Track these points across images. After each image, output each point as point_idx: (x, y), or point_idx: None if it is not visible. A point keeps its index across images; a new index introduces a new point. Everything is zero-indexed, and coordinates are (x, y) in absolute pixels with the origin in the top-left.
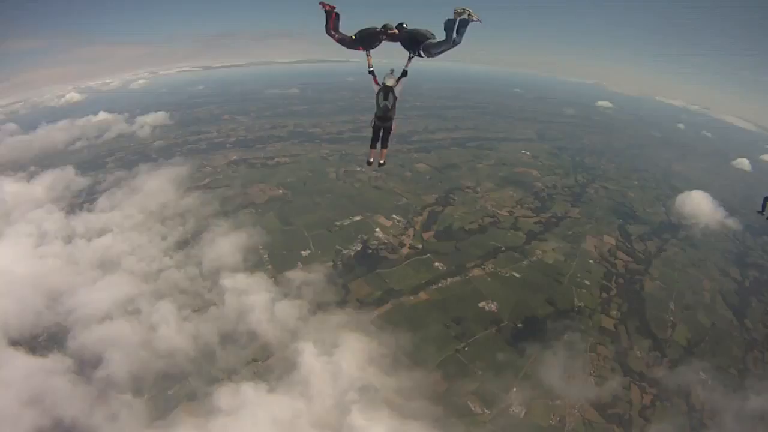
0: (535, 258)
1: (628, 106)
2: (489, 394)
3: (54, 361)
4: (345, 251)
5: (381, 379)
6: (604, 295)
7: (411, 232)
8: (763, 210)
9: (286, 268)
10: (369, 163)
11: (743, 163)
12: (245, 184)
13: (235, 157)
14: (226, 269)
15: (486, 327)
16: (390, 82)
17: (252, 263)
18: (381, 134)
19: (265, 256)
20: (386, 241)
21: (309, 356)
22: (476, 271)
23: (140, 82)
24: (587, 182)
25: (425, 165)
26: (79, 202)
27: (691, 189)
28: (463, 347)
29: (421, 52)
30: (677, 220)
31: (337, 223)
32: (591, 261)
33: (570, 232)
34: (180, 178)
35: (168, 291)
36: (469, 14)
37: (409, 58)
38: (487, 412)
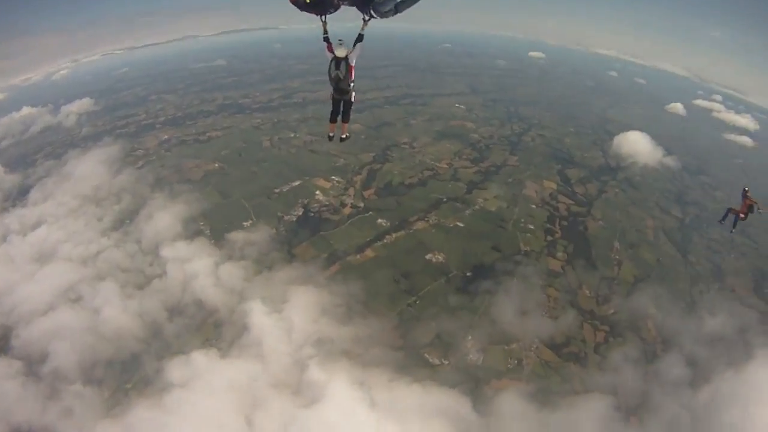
0: (477, 207)
1: (560, 56)
2: (445, 344)
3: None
4: (287, 217)
5: (336, 329)
6: (549, 238)
7: (351, 191)
8: (723, 220)
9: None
10: (330, 138)
11: (677, 107)
12: (179, 162)
13: (166, 137)
14: (166, 241)
15: (435, 278)
16: (340, 53)
17: (192, 233)
18: (341, 107)
19: (207, 231)
20: (327, 202)
21: (258, 315)
22: (420, 224)
23: (62, 72)
24: (523, 131)
25: (359, 125)
26: (11, 199)
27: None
28: (414, 300)
29: (373, 12)
30: (616, 162)
31: (276, 190)
32: (533, 206)
33: (510, 180)
34: (111, 160)
35: (109, 272)
36: None
37: (364, 21)
38: (446, 362)
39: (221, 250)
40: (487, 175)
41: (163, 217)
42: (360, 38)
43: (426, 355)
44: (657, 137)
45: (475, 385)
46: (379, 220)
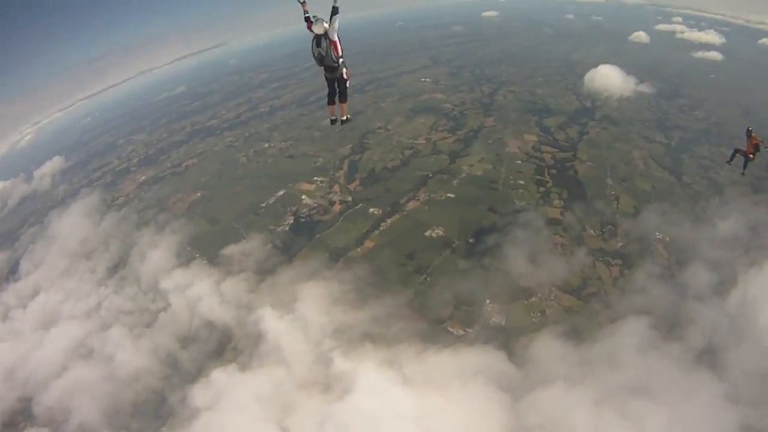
0: (464, 174)
1: (514, 10)
2: (465, 314)
3: None
4: (279, 228)
5: (352, 315)
6: (542, 188)
7: (337, 188)
8: (731, 161)
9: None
10: (332, 122)
11: (641, 36)
12: (161, 199)
13: (143, 177)
14: (163, 274)
15: (440, 252)
16: (318, 29)
17: (186, 260)
18: (336, 87)
19: (201, 255)
20: (316, 205)
21: (271, 321)
22: (412, 204)
23: (27, 138)
24: (494, 91)
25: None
26: (3, 277)
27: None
28: (425, 278)
29: None
30: (591, 102)
31: (263, 204)
32: (519, 162)
33: (491, 141)
34: (92, 210)
35: (114, 318)
36: None
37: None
38: (470, 330)
39: (219, 268)
40: (467, 142)
41: (155, 253)
42: (335, 11)
43: (449, 329)
44: (627, 68)
45: (507, 340)
46: (371, 210)
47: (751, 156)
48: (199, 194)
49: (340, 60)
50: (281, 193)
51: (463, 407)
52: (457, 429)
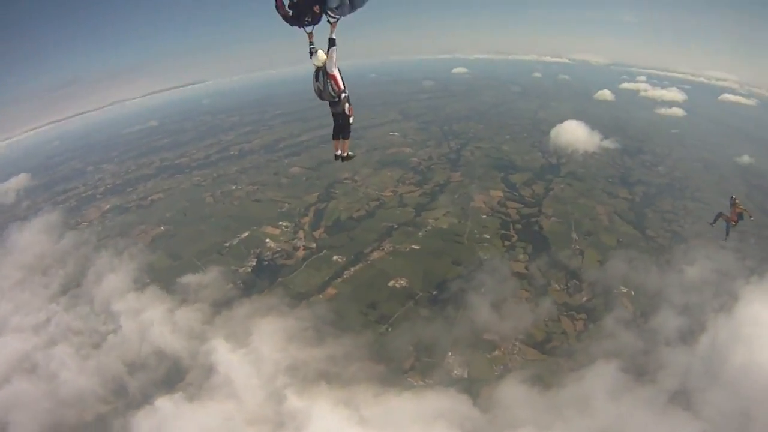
0: (429, 227)
1: (483, 69)
2: (426, 365)
3: None
4: (241, 269)
5: (308, 353)
6: (507, 243)
7: (301, 233)
8: (714, 222)
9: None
10: (336, 157)
11: (605, 94)
12: (124, 229)
13: (108, 206)
14: (116, 296)
15: (403, 303)
16: (316, 62)
17: (142, 285)
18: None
19: (158, 281)
20: (279, 249)
21: (223, 353)
22: (376, 254)
23: None
24: (461, 147)
25: (299, 168)
26: None
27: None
28: (386, 329)
29: (332, 13)
30: (556, 159)
31: (227, 244)
32: (484, 216)
33: (457, 195)
34: (52, 227)
35: (61, 336)
36: None
37: (330, 23)
38: (430, 382)
39: (174, 296)
40: (433, 196)
41: (111, 276)
42: (331, 43)
43: (409, 379)
44: (592, 124)
45: (470, 386)
46: (335, 257)
47: (734, 223)
48: (162, 228)
49: (342, 95)
50: (245, 234)
51: None
52: None
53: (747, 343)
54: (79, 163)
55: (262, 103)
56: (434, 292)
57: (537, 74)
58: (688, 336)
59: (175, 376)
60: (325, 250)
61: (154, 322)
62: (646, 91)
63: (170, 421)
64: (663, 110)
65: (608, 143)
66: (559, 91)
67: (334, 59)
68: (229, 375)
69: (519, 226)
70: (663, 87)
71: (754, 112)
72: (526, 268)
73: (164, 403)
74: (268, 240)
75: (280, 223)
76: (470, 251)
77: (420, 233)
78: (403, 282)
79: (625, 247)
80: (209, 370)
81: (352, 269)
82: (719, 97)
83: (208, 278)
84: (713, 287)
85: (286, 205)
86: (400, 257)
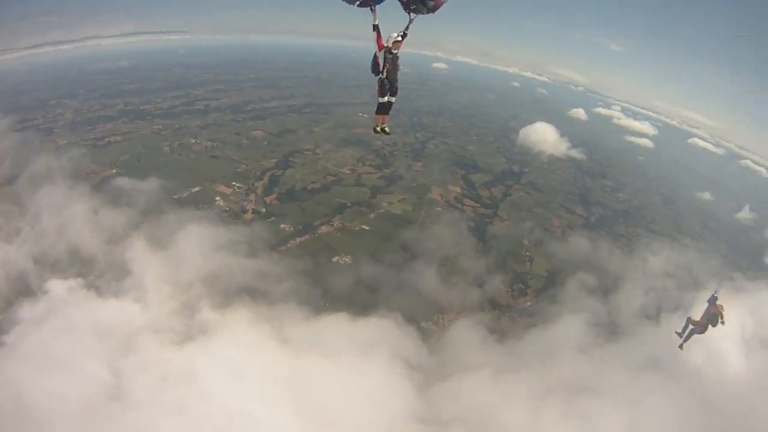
0: (382, 210)
1: (462, 71)
2: (368, 300)
3: None
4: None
5: (236, 262)
6: (457, 237)
7: (252, 197)
8: (683, 332)
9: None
10: (375, 130)
11: (579, 112)
12: (76, 168)
13: (63, 142)
14: (42, 189)
15: (345, 280)
16: (388, 43)
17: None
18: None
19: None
20: (228, 208)
21: (140, 253)
22: (324, 228)
23: None
24: (427, 139)
25: (262, 132)
26: None
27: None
28: (324, 303)
29: (425, 10)
30: (519, 167)
31: (175, 196)
32: (439, 208)
33: (415, 184)
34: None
35: None
36: None
37: (411, 20)
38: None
39: (103, 196)
40: (391, 180)
41: (43, 172)
42: (404, 35)
43: (345, 309)
44: (562, 132)
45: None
46: (282, 225)
47: (701, 330)
48: (114, 171)
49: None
50: (196, 189)
51: (359, 378)
52: (349, 399)
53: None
54: (42, 95)
55: (238, 65)
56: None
57: (515, 84)
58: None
59: (84, 273)
60: (273, 217)
61: (75, 219)
62: (619, 119)
63: (60, 306)
64: (633, 138)
65: (575, 153)
66: (534, 104)
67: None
68: (141, 277)
69: (472, 224)
70: (636, 119)
71: (720, 160)
72: (474, 264)
73: (57, 287)
74: (218, 198)
75: (234, 183)
76: (420, 240)
77: (372, 215)
78: (347, 259)
79: (574, 262)
80: (122, 270)
81: (298, 239)
82: (688, 140)
83: (145, 186)
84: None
85: (243, 166)
86: (349, 235)
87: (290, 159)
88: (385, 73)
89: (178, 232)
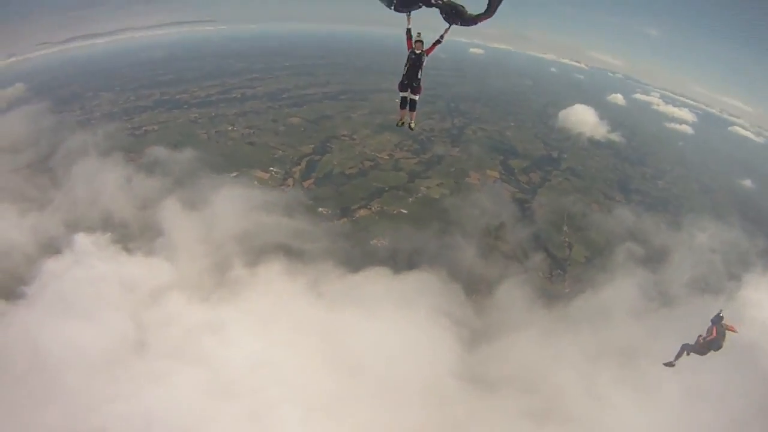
0: (420, 194)
1: (499, 55)
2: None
3: None
4: None
5: (271, 220)
6: (496, 221)
7: (290, 181)
8: (676, 360)
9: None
10: (398, 124)
11: (618, 98)
12: (111, 145)
13: (100, 131)
14: (78, 162)
15: (382, 262)
16: (417, 49)
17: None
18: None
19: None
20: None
21: (173, 212)
22: (363, 212)
23: None
24: (464, 125)
25: (298, 118)
26: None
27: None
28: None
29: (459, 22)
30: (558, 153)
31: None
32: (477, 193)
33: (452, 169)
34: (35, 116)
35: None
36: None
37: (447, 29)
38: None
39: (138, 164)
40: (429, 165)
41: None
42: (438, 42)
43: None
44: (601, 115)
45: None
46: (320, 209)
47: (702, 353)
48: (152, 158)
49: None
50: (234, 174)
51: (400, 332)
52: (388, 353)
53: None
54: (78, 88)
55: (272, 53)
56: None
57: (553, 69)
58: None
59: (115, 233)
60: (311, 201)
61: (109, 185)
62: (658, 105)
63: (85, 259)
64: (672, 125)
65: (614, 136)
66: (571, 89)
67: (432, 53)
68: (173, 237)
69: (511, 208)
70: (675, 105)
71: (762, 149)
72: (513, 251)
73: (83, 240)
74: (256, 182)
75: (271, 168)
76: (459, 224)
77: (410, 199)
78: (384, 242)
79: (612, 247)
80: (154, 230)
81: (336, 222)
82: (729, 128)
83: (183, 156)
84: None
85: (280, 152)
86: (386, 218)
87: (327, 145)
88: (405, 70)
89: (213, 195)
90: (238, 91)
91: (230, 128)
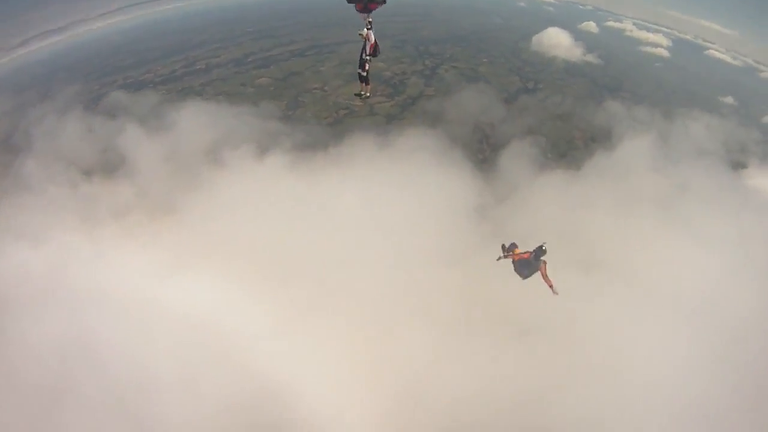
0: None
1: None
2: None
3: None
4: None
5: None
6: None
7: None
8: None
9: None
10: (356, 95)
11: (590, 25)
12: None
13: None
14: None
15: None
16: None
17: None
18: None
19: None
20: None
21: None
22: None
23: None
24: (436, 65)
25: (267, 78)
26: None
27: None
28: None
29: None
30: (533, 84)
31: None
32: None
33: (428, 108)
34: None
35: None
36: None
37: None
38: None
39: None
40: (404, 107)
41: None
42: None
43: None
44: (575, 37)
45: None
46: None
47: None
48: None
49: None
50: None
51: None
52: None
53: None
54: (39, 90)
55: (232, 23)
56: None
57: (522, 4)
58: None
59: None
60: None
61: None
62: (631, 31)
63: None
64: (648, 48)
65: (591, 57)
66: (542, 22)
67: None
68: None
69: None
70: (650, 32)
71: (739, 72)
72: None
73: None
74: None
75: None
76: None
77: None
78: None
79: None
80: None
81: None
82: (704, 52)
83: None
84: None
85: None
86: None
87: (299, 99)
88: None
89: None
90: (202, 62)
91: (199, 98)
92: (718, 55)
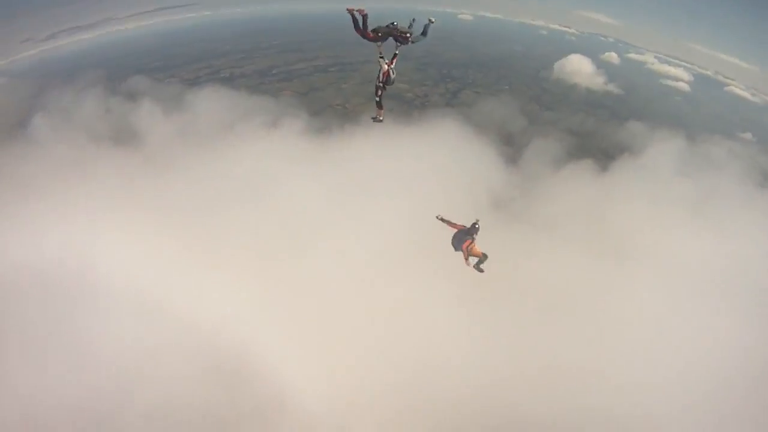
0: None
1: (487, 22)
2: None
3: None
4: None
5: None
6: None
7: None
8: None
9: None
10: (372, 118)
11: (612, 56)
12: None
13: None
14: None
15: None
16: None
17: None
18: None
19: None
20: None
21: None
22: None
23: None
24: (458, 90)
25: (289, 92)
26: None
27: None
28: None
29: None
30: (555, 115)
31: None
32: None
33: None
34: None
35: None
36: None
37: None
38: None
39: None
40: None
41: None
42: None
43: None
44: (597, 66)
45: None
46: None
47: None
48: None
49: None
50: None
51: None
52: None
53: None
54: (63, 84)
55: (259, 33)
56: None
57: (543, 32)
58: None
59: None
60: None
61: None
62: (652, 64)
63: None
64: (669, 81)
65: (612, 87)
66: (563, 52)
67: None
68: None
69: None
70: (671, 65)
71: (759, 109)
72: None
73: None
74: None
75: None
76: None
77: None
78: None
79: None
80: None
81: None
82: (725, 88)
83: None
84: None
85: None
86: None
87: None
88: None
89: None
90: (226, 71)
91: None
92: (738, 91)
